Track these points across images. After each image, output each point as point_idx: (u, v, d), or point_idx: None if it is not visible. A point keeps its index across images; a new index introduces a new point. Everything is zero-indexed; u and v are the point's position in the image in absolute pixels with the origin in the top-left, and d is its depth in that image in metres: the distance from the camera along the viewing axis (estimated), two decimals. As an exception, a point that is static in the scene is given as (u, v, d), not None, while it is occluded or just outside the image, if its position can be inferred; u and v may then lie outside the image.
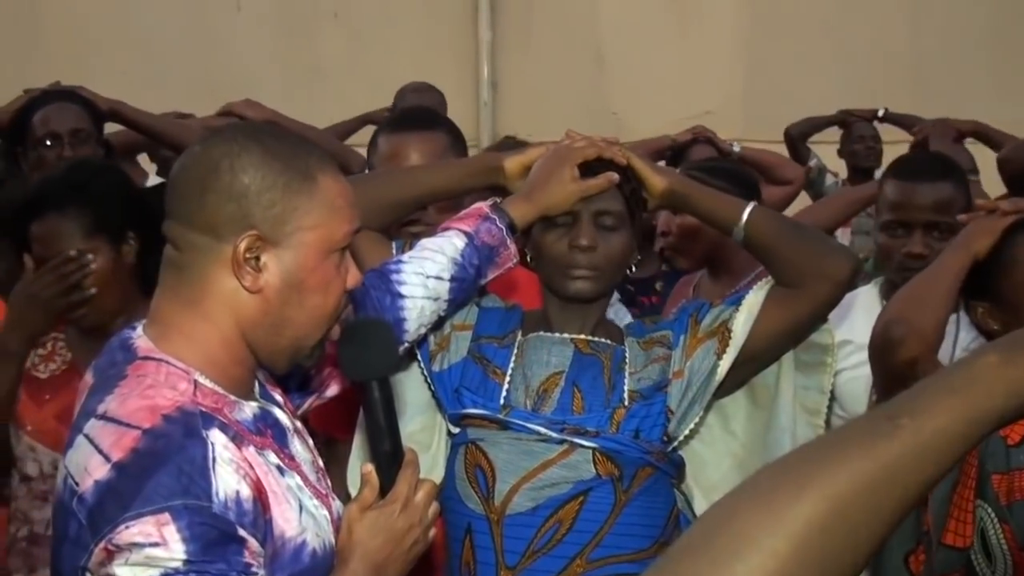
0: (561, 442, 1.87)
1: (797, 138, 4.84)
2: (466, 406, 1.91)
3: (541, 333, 1.97)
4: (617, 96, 6.29)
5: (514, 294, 2.19)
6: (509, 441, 1.88)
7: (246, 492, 1.28)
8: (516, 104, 6.35)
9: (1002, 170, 2.32)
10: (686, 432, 1.91)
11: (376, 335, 1.51)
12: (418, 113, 2.49)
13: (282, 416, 1.46)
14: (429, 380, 1.96)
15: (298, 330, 1.39)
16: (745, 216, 1.91)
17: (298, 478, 1.40)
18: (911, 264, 2.41)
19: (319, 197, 1.39)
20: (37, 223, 2.23)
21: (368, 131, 4.54)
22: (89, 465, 1.26)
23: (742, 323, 1.89)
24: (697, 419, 1.90)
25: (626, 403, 1.89)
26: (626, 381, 1.91)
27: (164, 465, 1.23)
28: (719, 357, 1.89)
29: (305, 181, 1.38)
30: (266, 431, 1.40)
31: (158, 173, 4.44)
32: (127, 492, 1.22)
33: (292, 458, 1.42)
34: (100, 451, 1.26)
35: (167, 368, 1.34)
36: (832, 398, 2.02)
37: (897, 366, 1.94)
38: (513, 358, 1.94)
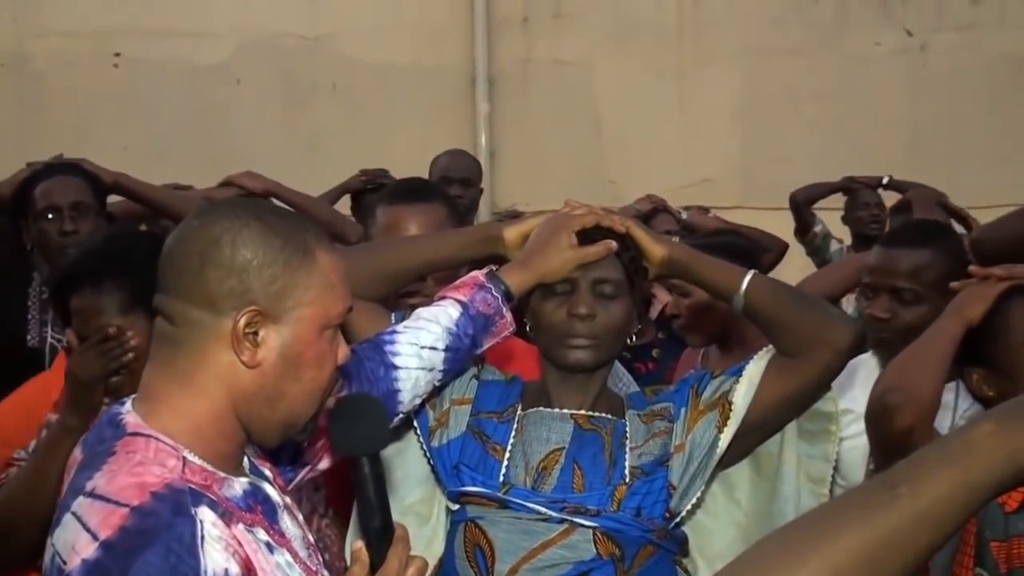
0: (561, 521, 1.85)
1: (802, 203, 4.84)
2: (465, 484, 1.90)
3: (541, 408, 1.95)
4: (614, 164, 6.32)
5: (512, 364, 2.19)
6: (509, 520, 1.87)
7: (235, 570, 1.28)
8: (513, 173, 6.39)
9: (975, 250, 2.34)
10: (688, 507, 1.89)
11: (367, 410, 1.52)
12: (415, 185, 2.53)
13: (272, 492, 1.45)
14: (428, 455, 1.95)
15: (292, 404, 1.40)
16: (745, 284, 1.90)
17: (288, 555, 1.39)
18: (875, 328, 2.45)
19: (317, 274, 1.40)
20: (75, 298, 2.21)
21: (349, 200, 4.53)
22: (77, 543, 1.26)
23: (742, 394, 1.88)
24: (699, 493, 1.89)
25: (627, 480, 1.88)
26: (627, 457, 1.90)
27: (152, 544, 1.23)
28: (720, 430, 1.87)
29: (305, 257, 1.39)
30: (256, 507, 1.40)
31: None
32: (114, 571, 1.22)
33: (282, 535, 1.42)
34: (87, 529, 1.25)
35: (156, 444, 1.34)
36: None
37: (894, 434, 1.94)
38: (513, 434, 1.93)
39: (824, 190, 4.97)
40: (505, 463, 1.91)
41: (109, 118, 6.18)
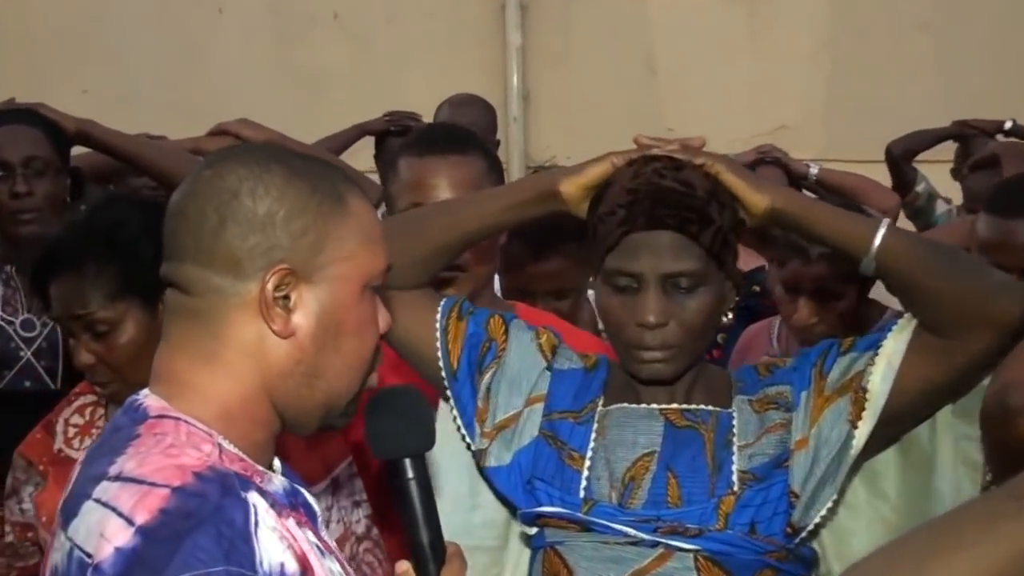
0: (655, 545, 1.84)
1: (901, 157, 4.77)
2: (542, 502, 1.89)
3: (624, 405, 1.94)
4: (672, 110, 6.22)
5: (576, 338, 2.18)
6: (593, 545, 1.86)
7: (292, 566, 1.31)
8: (551, 120, 6.32)
9: None
10: (816, 520, 1.86)
11: (409, 405, 1.55)
12: (448, 133, 2.52)
13: (310, 498, 1.48)
14: (483, 476, 1.97)
15: (333, 381, 1.43)
16: (878, 240, 1.83)
17: (339, 566, 1.43)
18: None
19: (353, 222, 1.43)
20: (54, 284, 2.20)
21: (366, 148, 4.64)
22: (106, 530, 1.28)
23: (880, 380, 1.85)
24: (831, 503, 1.86)
25: (736, 489, 1.86)
26: (735, 459, 1.88)
27: (200, 527, 1.26)
28: (853, 424, 1.85)
29: (337, 204, 1.42)
30: (299, 508, 1.43)
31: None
32: (158, 558, 1.24)
33: (328, 545, 1.45)
34: (119, 514, 1.28)
35: (187, 428, 1.37)
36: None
37: (1017, 438, 1.96)
38: (593, 437, 1.93)
39: (929, 138, 4.91)
40: (586, 474, 1.90)
41: (67, 55, 6.14)
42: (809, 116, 6.18)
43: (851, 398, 1.86)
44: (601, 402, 1.95)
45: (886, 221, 1.87)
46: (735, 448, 1.88)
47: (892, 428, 1.89)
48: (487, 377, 1.98)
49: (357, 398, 1.47)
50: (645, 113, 6.15)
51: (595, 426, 1.93)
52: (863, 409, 1.84)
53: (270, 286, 1.38)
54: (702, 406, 1.92)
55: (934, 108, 5.45)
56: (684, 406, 1.92)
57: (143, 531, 1.26)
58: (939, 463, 1.92)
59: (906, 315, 1.90)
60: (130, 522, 1.27)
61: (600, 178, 1.93)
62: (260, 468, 1.40)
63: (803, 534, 1.87)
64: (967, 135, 4.96)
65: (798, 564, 1.89)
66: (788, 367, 1.96)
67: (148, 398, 1.41)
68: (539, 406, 1.96)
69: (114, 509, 1.29)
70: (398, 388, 1.68)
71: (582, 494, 1.88)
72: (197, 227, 1.39)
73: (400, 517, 1.52)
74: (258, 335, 1.39)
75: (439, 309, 2.00)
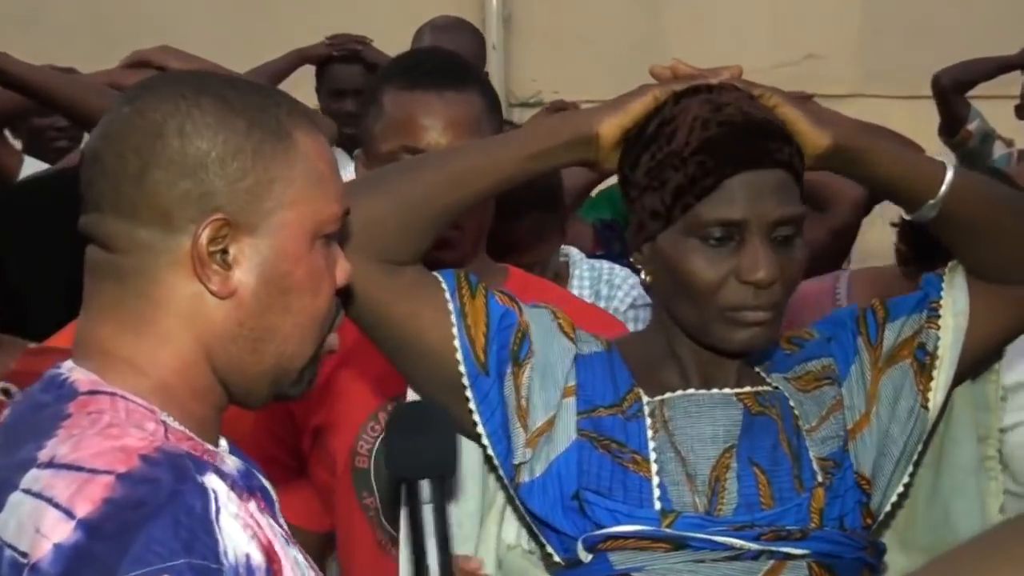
0: (759, 555, 1.83)
1: (951, 89, 4.75)
2: (601, 521, 1.84)
3: (691, 391, 1.91)
4: (678, 36, 6.25)
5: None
6: (686, 565, 1.83)
7: (258, 557, 1.33)
8: (537, 49, 6.36)
9: None
10: (887, 508, 1.92)
11: (431, 422, 1.60)
12: (444, 63, 2.45)
13: (266, 482, 1.49)
14: (513, 495, 1.91)
15: (284, 344, 1.44)
16: (947, 182, 1.87)
17: (302, 556, 1.45)
18: None
19: (300, 163, 1.43)
20: None
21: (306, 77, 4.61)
22: (42, 525, 1.28)
23: (951, 343, 1.91)
24: (902, 487, 1.92)
25: (821, 479, 1.88)
26: (808, 444, 1.89)
27: (154, 517, 1.27)
28: (924, 396, 1.90)
29: (280, 141, 1.42)
30: (255, 492, 1.43)
31: (27, 150, 4.48)
32: (108, 555, 1.25)
33: (288, 533, 1.46)
34: (56, 505, 1.28)
35: (125, 404, 1.37)
36: (1001, 462, 2.03)
37: None
38: (651, 435, 1.89)
39: (988, 68, 4.88)
40: (657, 480, 1.87)
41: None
42: (842, 44, 6.24)
43: (911, 366, 1.91)
44: (643, 391, 1.91)
45: (951, 163, 1.92)
46: (804, 432, 1.90)
47: (955, 385, 1.96)
48: (526, 372, 1.91)
49: (314, 362, 1.49)
50: (646, 40, 6.14)
51: (649, 421, 1.89)
52: (931, 379, 1.90)
53: (204, 239, 1.38)
54: (766, 388, 1.92)
55: (993, 33, 5.48)
56: (757, 388, 1.92)
57: (86, 525, 1.26)
58: (958, 436, 1.98)
59: (948, 268, 1.95)
60: (70, 515, 1.27)
61: (641, 116, 1.87)
62: (209, 447, 1.42)
63: (874, 525, 1.92)
64: None
65: (879, 558, 1.92)
66: (818, 339, 1.97)
67: (74, 371, 1.41)
68: (571, 400, 1.91)
69: (49, 500, 1.29)
70: (419, 403, 1.75)
71: (658, 505, 1.85)
72: (117, 174, 1.39)
73: (408, 542, 1.57)
74: (194, 296, 1.40)
75: (444, 284, 1.91)
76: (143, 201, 1.38)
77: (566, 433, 1.88)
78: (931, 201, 1.87)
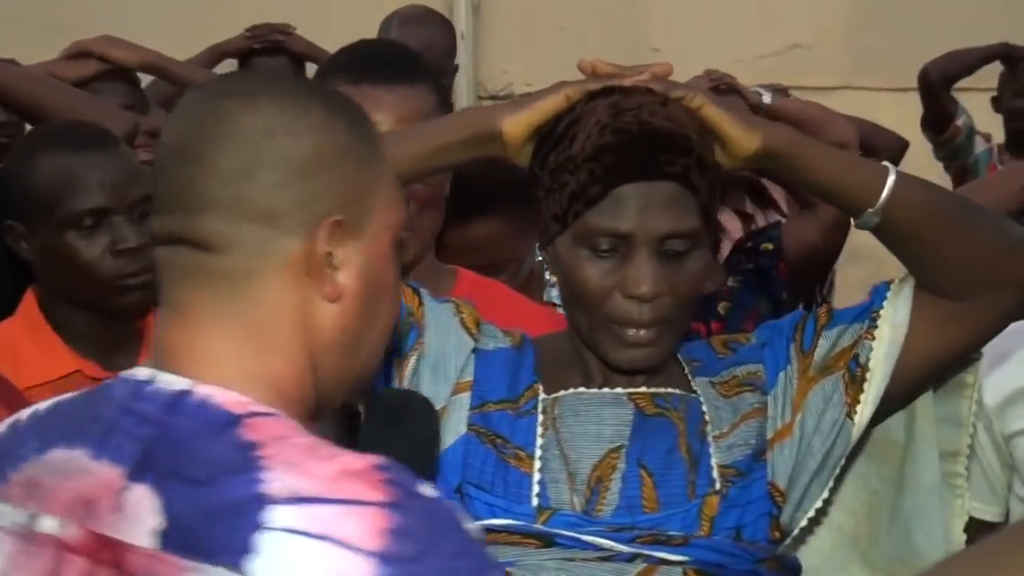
0: (634, 558, 1.85)
1: (939, 83, 4.76)
2: (479, 514, 1.88)
3: (580, 389, 1.94)
4: (658, 25, 6.26)
5: (498, 313, 2.16)
6: (556, 563, 1.87)
7: None
8: (507, 38, 6.36)
9: None
10: (804, 523, 1.91)
11: (414, 412, 1.64)
12: (393, 55, 2.50)
13: None
14: None
15: (369, 351, 1.48)
16: (887, 190, 1.86)
17: None
18: None
19: (387, 167, 1.48)
20: None
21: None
22: (333, 565, 1.28)
23: (884, 356, 1.89)
24: (820, 503, 1.91)
25: (718, 486, 1.88)
26: (712, 451, 1.90)
27: (439, 533, 1.31)
28: (851, 409, 1.89)
29: (370, 145, 1.47)
30: None
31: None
32: None
33: None
34: (338, 543, 1.29)
35: (285, 422, 1.37)
36: (1012, 468, 2.09)
37: None
38: (540, 432, 1.93)
39: (971, 60, 4.87)
40: (537, 477, 1.90)
41: None
42: (829, 34, 6.23)
43: (843, 377, 1.90)
44: (541, 388, 1.95)
45: (895, 168, 1.89)
46: (711, 439, 1.91)
47: (891, 406, 1.94)
48: (410, 364, 1.98)
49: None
50: (625, 30, 6.15)
51: (540, 418, 1.93)
52: (861, 391, 1.88)
53: (322, 241, 1.40)
54: (670, 389, 1.94)
55: (983, 22, 5.49)
56: (654, 389, 1.93)
57: (383, 558, 1.28)
58: (920, 453, 1.97)
59: (898, 279, 1.93)
60: (360, 551, 1.28)
61: (551, 115, 1.90)
62: None
63: (787, 541, 1.92)
64: (1016, 56, 4.96)
65: (784, 574, 1.92)
66: (753, 343, 1.98)
67: (198, 388, 1.38)
68: (465, 395, 1.96)
69: (327, 538, 1.28)
70: (404, 391, 1.78)
71: (535, 501, 1.89)
72: (223, 173, 1.40)
73: None
74: (303, 301, 1.42)
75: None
76: (254, 201, 1.40)
77: (456, 427, 1.92)
78: (871, 209, 1.86)
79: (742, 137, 1.87)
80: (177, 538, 1.32)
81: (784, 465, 1.89)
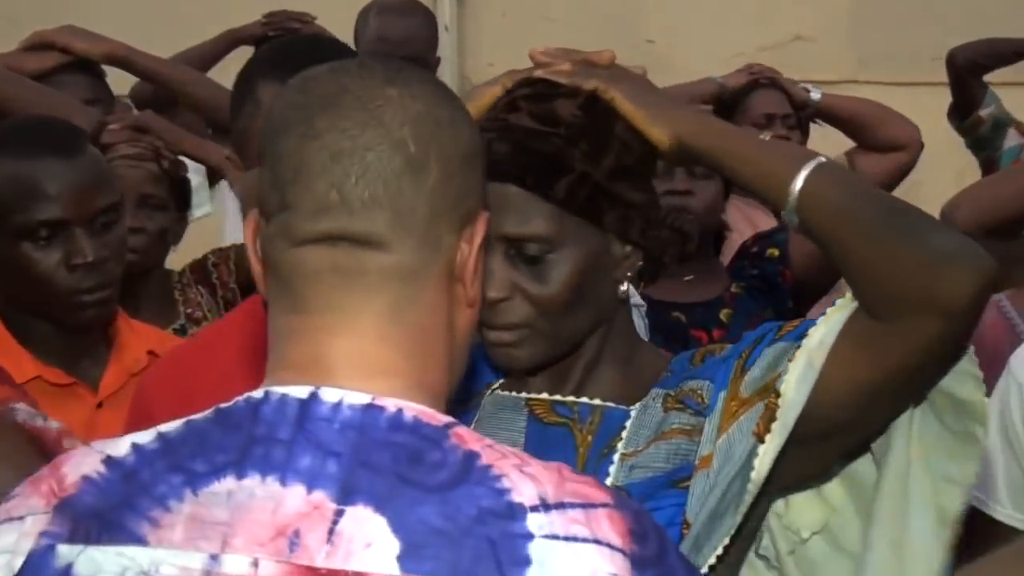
0: None
1: (967, 70, 4.61)
2: None
3: (500, 392, 2.01)
4: (654, 15, 6.28)
5: None
6: None
7: None
8: (493, 28, 6.36)
9: None
10: (711, 562, 1.83)
11: None
12: (325, 52, 2.37)
13: None
14: None
15: (467, 358, 1.50)
16: (798, 186, 1.79)
17: None
18: None
19: None
20: None
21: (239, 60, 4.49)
22: (605, 565, 1.32)
23: (795, 383, 1.79)
24: (725, 542, 1.81)
25: None
26: (612, 470, 1.88)
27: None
28: (760, 439, 1.80)
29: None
30: None
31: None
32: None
33: None
34: (606, 544, 1.33)
35: (465, 431, 1.40)
36: None
37: None
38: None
39: (1006, 51, 4.79)
40: None
41: None
42: (833, 26, 6.24)
43: (766, 404, 1.82)
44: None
45: (817, 159, 1.82)
46: (616, 456, 1.88)
47: (825, 447, 1.84)
48: None
49: None
50: (618, 21, 6.14)
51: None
52: (772, 419, 1.79)
53: (478, 241, 1.42)
54: (584, 399, 1.93)
55: (997, 15, 5.42)
56: (557, 397, 1.95)
57: (639, 560, 1.33)
58: (912, 511, 1.85)
59: (847, 294, 1.84)
60: (615, 548, 1.32)
61: (488, 104, 1.92)
62: None
63: None
64: None
65: None
66: (719, 357, 1.94)
67: (386, 401, 1.37)
68: None
69: (592, 540, 1.32)
70: None
71: None
72: (394, 165, 1.39)
73: None
74: (451, 303, 1.43)
75: None
76: (422, 195, 1.40)
77: None
78: (786, 208, 1.82)
79: (651, 132, 1.88)
80: (417, 557, 1.31)
81: (698, 499, 1.84)
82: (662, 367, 1.97)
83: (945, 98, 4.77)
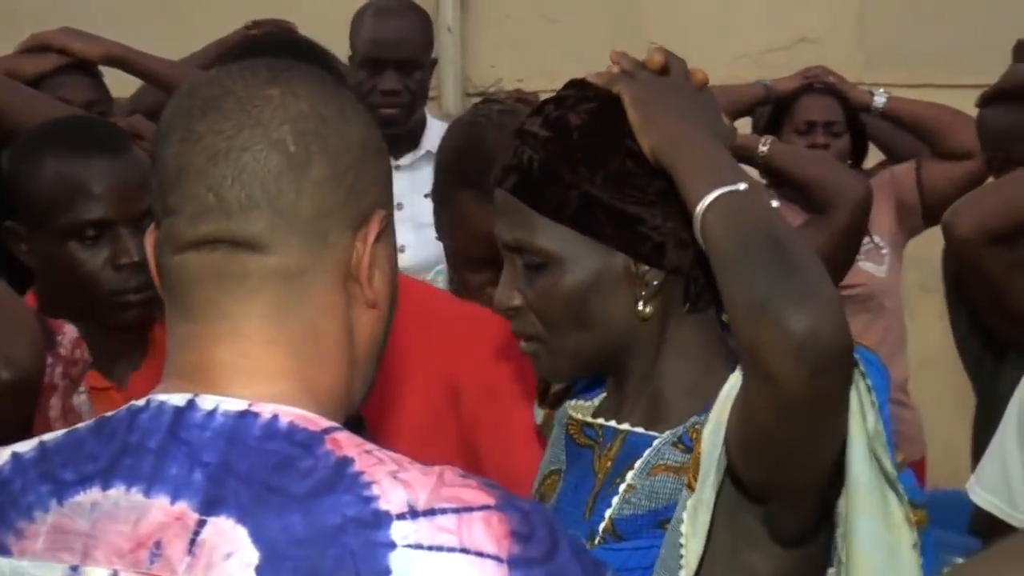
0: None
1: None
2: None
3: (565, 405, 2.02)
4: (657, 17, 6.20)
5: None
6: None
7: None
8: (497, 32, 6.34)
9: None
10: None
11: None
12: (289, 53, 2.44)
13: None
14: None
15: (382, 357, 1.48)
16: (700, 211, 1.73)
17: None
18: None
19: None
20: None
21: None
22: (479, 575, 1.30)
23: (708, 436, 1.75)
24: None
25: (596, 541, 1.84)
26: (614, 500, 1.85)
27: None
28: (690, 487, 1.76)
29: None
30: None
31: None
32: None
33: None
34: (480, 554, 1.30)
35: (353, 436, 1.38)
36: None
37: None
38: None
39: None
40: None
41: None
42: (840, 27, 6.18)
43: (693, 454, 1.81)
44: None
45: (727, 188, 1.74)
46: (623, 487, 1.85)
47: (777, 507, 1.77)
48: None
49: None
50: (621, 22, 6.10)
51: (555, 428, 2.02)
52: (698, 468, 1.75)
53: (371, 239, 1.40)
54: (612, 422, 1.90)
55: (1009, 15, 5.37)
56: (589, 419, 1.94)
57: (517, 561, 1.30)
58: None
59: None
60: (497, 559, 1.30)
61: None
62: None
63: None
64: None
65: None
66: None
67: (262, 407, 1.35)
68: None
69: (459, 550, 1.30)
70: None
71: None
72: (273, 165, 1.38)
73: None
74: (347, 304, 1.42)
75: None
76: (306, 194, 1.38)
77: None
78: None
79: (640, 141, 1.84)
80: (277, 568, 1.29)
81: (673, 534, 1.78)
82: (711, 393, 1.84)
83: (952, 100, 4.68)
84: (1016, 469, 2.66)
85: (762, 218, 1.74)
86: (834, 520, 1.79)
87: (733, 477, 1.74)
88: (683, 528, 1.75)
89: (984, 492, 2.70)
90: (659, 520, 1.81)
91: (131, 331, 2.68)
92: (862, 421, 1.73)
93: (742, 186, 1.74)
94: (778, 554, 1.79)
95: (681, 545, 1.75)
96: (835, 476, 1.76)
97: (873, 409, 1.74)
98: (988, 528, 2.71)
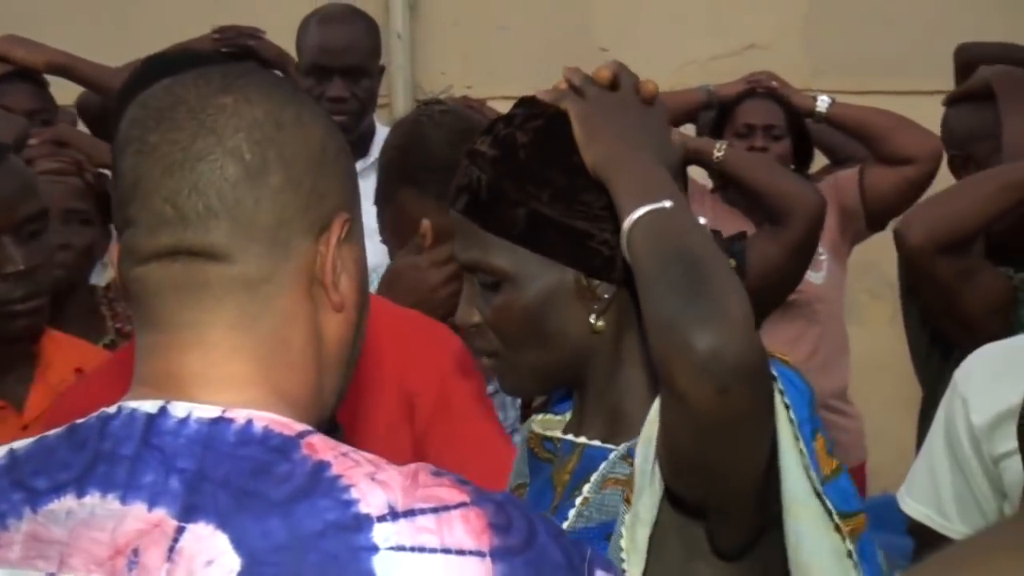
0: None
1: (971, 69, 4.46)
2: None
3: (537, 418, 2.02)
4: (606, 24, 6.24)
5: None
6: None
7: None
8: (446, 39, 6.32)
9: None
10: None
11: None
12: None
13: None
14: None
15: (354, 365, 1.49)
16: (626, 227, 1.74)
17: None
18: None
19: None
20: None
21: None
22: (463, 574, 1.30)
23: (640, 452, 1.76)
24: None
25: None
26: (570, 514, 1.85)
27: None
28: (627, 500, 1.77)
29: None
30: None
31: None
32: (533, 566, 1.32)
33: None
34: (461, 551, 1.30)
35: (328, 439, 1.37)
36: (1003, 493, 2.11)
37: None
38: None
39: (1018, 51, 4.64)
40: None
41: None
42: (788, 33, 6.20)
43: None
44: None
45: (652, 206, 1.74)
46: (579, 500, 1.85)
47: (719, 523, 1.77)
48: None
49: None
50: (571, 29, 6.14)
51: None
52: (632, 489, 1.77)
53: (333, 244, 1.40)
54: (570, 436, 1.90)
55: (955, 22, 5.42)
56: (546, 432, 1.94)
57: (499, 553, 1.31)
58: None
59: None
60: (480, 554, 1.31)
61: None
62: None
63: None
64: None
65: None
66: None
67: (235, 412, 1.35)
68: None
69: (440, 550, 1.30)
70: None
71: None
72: (230, 174, 1.38)
73: None
74: (313, 310, 1.42)
75: None
76: (265, 200, 1.38)
77: None
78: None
79: (584, 156, 1.83)
80: (258, 574, 1.28)
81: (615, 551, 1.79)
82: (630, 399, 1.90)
83: (900, 106, 4.70)
84: (944, 478, 2.65)
85: (680, 237, 1.73)
86: (784, 530, 1.78)
87: (669, 492, 1.75)
88: (622, 543, 1.76)
89: (913, 502, 2.70)
90: (607, 533, 1.81)
91: (19, 343, 2.60)
92: (790, 432, 1.75)
93: (667, 204, 1.73)
94: (723, 566, 1.79)
95: (623, 560, 1.75)
96: (769, 489, 1.75)
97: (791, 426, 1.75)
98: (919, 538, 2.71)
